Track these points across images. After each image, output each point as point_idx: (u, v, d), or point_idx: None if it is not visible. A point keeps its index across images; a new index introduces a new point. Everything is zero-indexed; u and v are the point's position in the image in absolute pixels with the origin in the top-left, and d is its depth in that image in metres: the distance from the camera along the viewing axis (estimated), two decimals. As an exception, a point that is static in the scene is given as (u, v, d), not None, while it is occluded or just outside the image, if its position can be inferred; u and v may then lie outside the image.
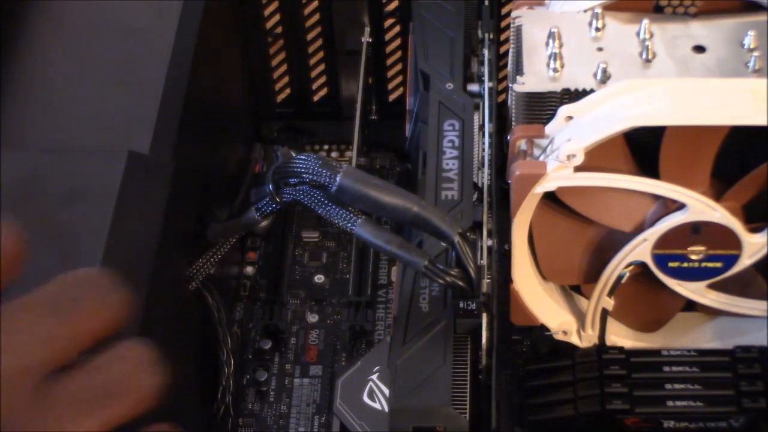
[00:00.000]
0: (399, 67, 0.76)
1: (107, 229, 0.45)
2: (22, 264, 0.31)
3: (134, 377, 0.31)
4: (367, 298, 0.66)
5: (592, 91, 0.52)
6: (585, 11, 0.56)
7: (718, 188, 0.52)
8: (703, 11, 0.56)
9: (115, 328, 0.32)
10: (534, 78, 0.53)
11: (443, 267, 0.49)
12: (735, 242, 0.52)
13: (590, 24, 0.55)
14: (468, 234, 0.50)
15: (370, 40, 0.72)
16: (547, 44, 0.54)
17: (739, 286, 0.55)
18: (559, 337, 0.57)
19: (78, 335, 0.31)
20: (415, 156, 0.62)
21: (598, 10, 0.55)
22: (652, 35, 0.55)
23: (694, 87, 0.50)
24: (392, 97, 0.77)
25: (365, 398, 0.50)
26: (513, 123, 0.54)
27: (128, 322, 0.32)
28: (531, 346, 0.60)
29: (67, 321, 0.30)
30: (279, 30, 0.74)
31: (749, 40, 0.54)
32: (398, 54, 0.75)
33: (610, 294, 0.55)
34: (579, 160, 0.49)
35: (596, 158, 0.49)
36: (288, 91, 0.77)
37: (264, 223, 0.66)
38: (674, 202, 0.52)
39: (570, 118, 0.51)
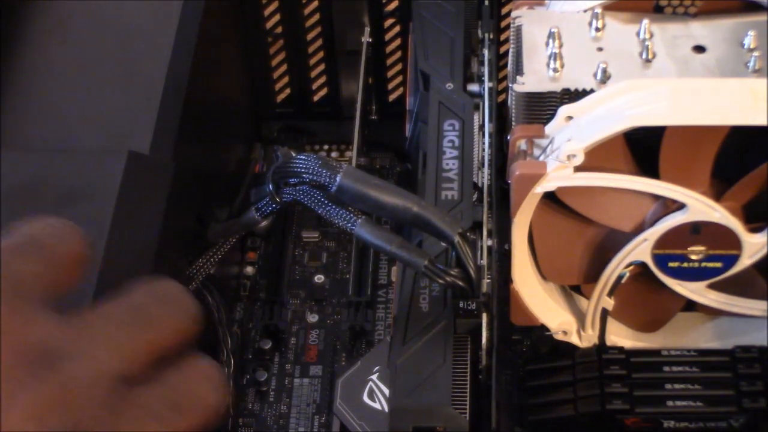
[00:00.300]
0: (399, 67, 0.76)
1: (107, 229, 0.45)
2: (86, 268, 0.33)
3: (202, 394, 0.32)
4: (367, 298, 0.66)
5: (592, 91, 0.52)
6: (585, 11, 0.56)
7: (718, 188, 0.52)
8: (703, 11, 0.56)
9: (186, 341, 0.33)
10: (534, 78, 0.53)
11: (443, 267, 0.49)
12: (735, 242, 0.52)
13: (590, 24, 0.55)
14: (468, 234, 0.50)
15: (370, 40, 0.72)
16: (547, 44, 0.54)
17: (739, 286, 0.55)
18: (559, 337, 0.57)
19: (153, 346, 0.32)
20: (415, 156, 0.62)
21: (598, 10, 0.55)
22: (652, 35, 0.55)
23: (694, 87, 0.50)
24: (392, 97, 0.77)
25: (365, 398, 0.50)
26: (513, 123, 0.54)
27: (197, 335, 0.33)
28: (531, 346, 0.60)
29: (144, 332, 0.31)
30: (279, 30, 0.74)
31: (749, 40, 0.54)
32: (398, 54, 0.75)
33: (610, 294, 0.55)
34: (579, 160, 0.49)
35: (596, 158, 0.49)
36: (288, 91, 0.77)
37: (264, 223, 0.66)
38: (674, 202, 0.52)
39: (570, 118, 0.51)
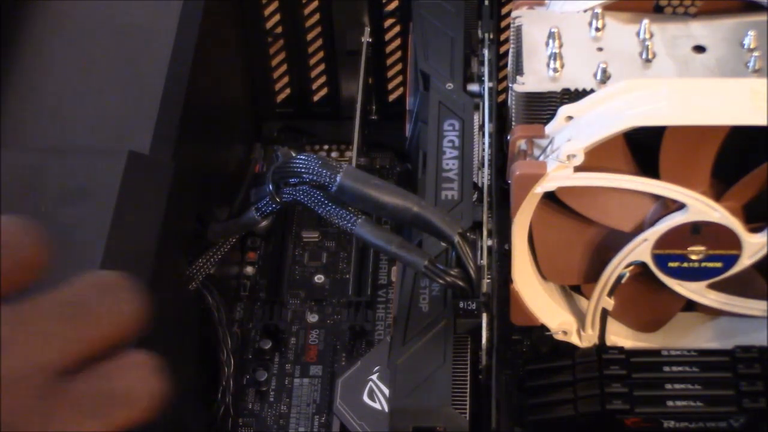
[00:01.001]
0: (399, 67, 0.76)
1: (107, 229, 0.45)
2: (40, 267, 0.31)
3: (138, 386, 0.31)
4: (367, 298, 0.66)
5: (592, 91, 0.52)
6: (585, 11, 0.56)
7: (718, 188, 0.52)
8: (703, 11, 0.56)
9: (127, 336, 0.32)
10: (534, 78, 0.53)
11: (443, 267, 0.49)
12: (735, 242, 0.52)
13: (590, 24, 0.55)
14: (468, 234, 0.50)
15: (370, 40, 0.72)
16: (547, 44, 0.54)
17: (739, 286, 0.55)
18: (559, 337, 0.57)
19: (89, 340, 0.31)
20: (415, 156, 0.62)
21: (598, 10, 0.55)
22: (652, 35, 0.55)
23: (694, 87, 0.50)
24: (392, 97, 0.77)
25: (365, 398, 0.51)
26: (513, 123, 0.54)
27: (141, 331, 0.32)
28: (531, 346, 0.60)
29: (80, 325, 0.31)
30: (279, 30, 0.74)
31: (749, 40, 0.54)
32: (398, 54, 0.75)
33: (610, 294, 0.55)
34: (579, 160, 0.49)
35: (596, 158, 0.49)
36: (288, 91, 0.77)
37: (264, 223, 0.66)
38: (674, 202, 0.52)
39: (570, 118, 0.51)
